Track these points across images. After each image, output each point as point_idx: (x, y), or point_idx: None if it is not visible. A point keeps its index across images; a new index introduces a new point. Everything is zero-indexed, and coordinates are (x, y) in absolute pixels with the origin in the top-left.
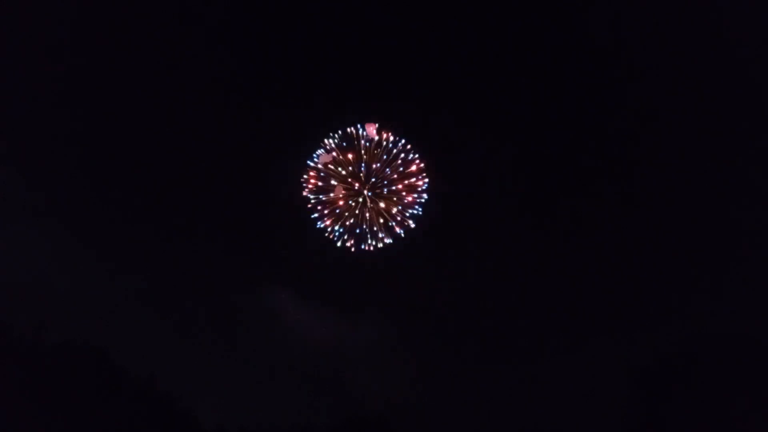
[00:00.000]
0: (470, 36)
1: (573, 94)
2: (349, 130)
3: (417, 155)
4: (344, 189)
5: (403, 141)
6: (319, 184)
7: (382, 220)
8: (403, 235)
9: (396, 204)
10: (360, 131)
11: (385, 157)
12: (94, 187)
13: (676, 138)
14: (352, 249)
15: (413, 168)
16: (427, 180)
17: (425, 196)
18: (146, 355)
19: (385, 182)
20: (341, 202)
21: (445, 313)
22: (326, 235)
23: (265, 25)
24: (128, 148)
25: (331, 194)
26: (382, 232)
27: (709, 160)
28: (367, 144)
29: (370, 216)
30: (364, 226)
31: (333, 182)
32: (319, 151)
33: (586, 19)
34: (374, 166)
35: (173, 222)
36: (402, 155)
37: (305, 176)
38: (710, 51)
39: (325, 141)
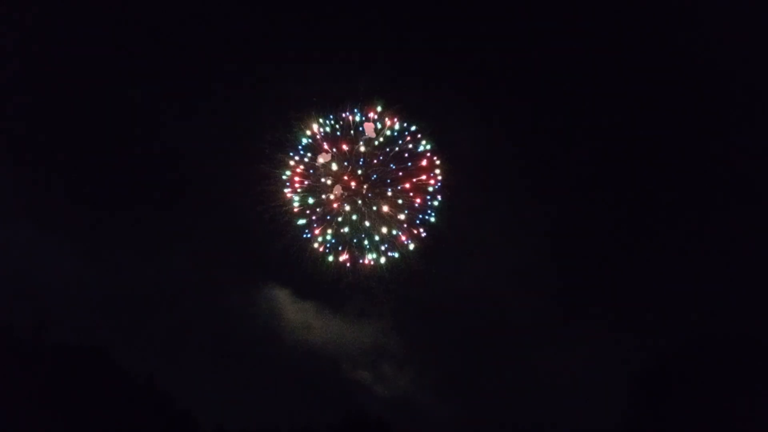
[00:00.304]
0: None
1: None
2: (344, 114)
3: (429, 146)
4: (343, 189)
5: (413, 128)
6: (306, 182)
7: (385, 229)
8: (412, 247)
9: (402, 208)
10: (357, 115)
11: (387, 149)
12: (94, 187)
13: (677, 138)
14: (348, 264)
15: (424, 162)
16: (441, 177)
17: (439, 198)
18: (146, 355)
19: (389, 180)
20: (335, 205)
21: (446, 313)
22: (316, 246)
23: None
24: (129, 149)
25: (323, 196)
26: (384, 244)
27: (709, 160)
28: (366, 138)
29: (370, 223)
30: (363, 236)
31: (324, 180)
32: (304, 141)
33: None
34: (374, 160)
35: (173, 221)
36: (410, 146)
37: (288, 173)
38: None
39: (314, 128)
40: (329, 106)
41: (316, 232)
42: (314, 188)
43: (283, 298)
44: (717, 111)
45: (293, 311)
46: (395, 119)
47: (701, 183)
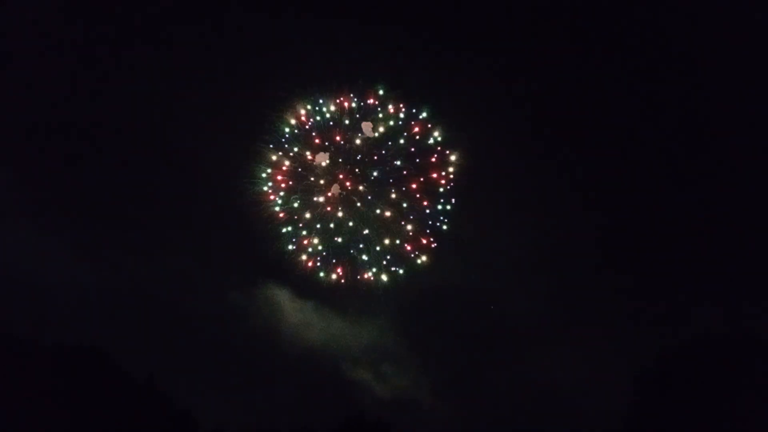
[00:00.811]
0: None
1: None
2: (338, 99)
3: (440, 137)
4: (340, 189)
5: (423, 115)
6: (290, 182)
7: (387, 240)
8: (420, 260)
9: (408, 213)
10: (353, 101)
11: (390, 142)
12: (94, 187)
13: (679, 137)
14: (342, 281)
15: (434, 158)
16: (454, 176)
17: (453, 201)
18: (146, 355)
19: (392, 180)
20: (329, 208)
21: (447, 313)
22: (305, 259)
23: None
24: (128, 149)
25: (316, 198)
26: (387, 256)
27: (709, 160)
28: (363, 137)
29: (369, 231)
30: (361, 247)
31: (314, 178)
32: (288, 131)
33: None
34: (375, 155)
35: (173, 221)
36: (417, 137)
37: (268, 171)
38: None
39: (302, 115)
40: (321, 89)
41: (305, 241)
42: (302, 188)
43: (282, 298)
44: (717, 111)
45: (293, 311)
46: (400, 105)
47: (701, 183)
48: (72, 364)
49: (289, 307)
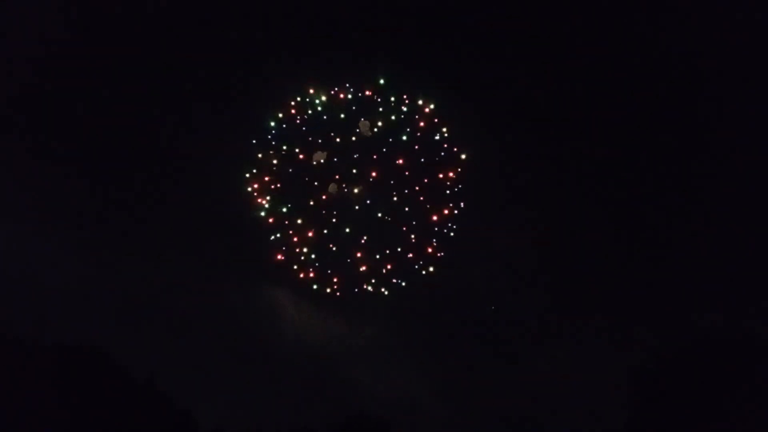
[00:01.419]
0: None
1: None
2: (333, 91)
3: (446, 133)
4: (337, 190)
5: (431, 107)
6: (279, 185)
7: (388, 250)
8: (426, 272)
9: (411, 219)
10: (349, 93)
11: (390, 139)
12: (95, 187)
13: (678, 137)
14: (338, 294)
15: (440, 157)
16: (462, 176)
17: (462, 204)
18: (146, 355)
19: (391, 182)
20: (323, 212)
21: (448, 312)
22: (295, 269)
23: None
24: (128, 148)
25: (311, 202)
26: (387, 267)
27: (709, 160)
28: (359, 132)
29: (368, 238)
30: (358, 256)
31: (306, 178)
32: (277, 124)
33: None
34: (374, 154)
35: (173, 221)
36: (419, 133)
37: (252, 170)
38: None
39: (292, 108)
40: (313, 80)
41: (296, 250)
42: (293, 190)
43: (282, 298)
44: (717, 111)
45: (293, 311)
46: (404, 97)
47: (701, 183)
48: (72, 364)
49: (289, 306)
